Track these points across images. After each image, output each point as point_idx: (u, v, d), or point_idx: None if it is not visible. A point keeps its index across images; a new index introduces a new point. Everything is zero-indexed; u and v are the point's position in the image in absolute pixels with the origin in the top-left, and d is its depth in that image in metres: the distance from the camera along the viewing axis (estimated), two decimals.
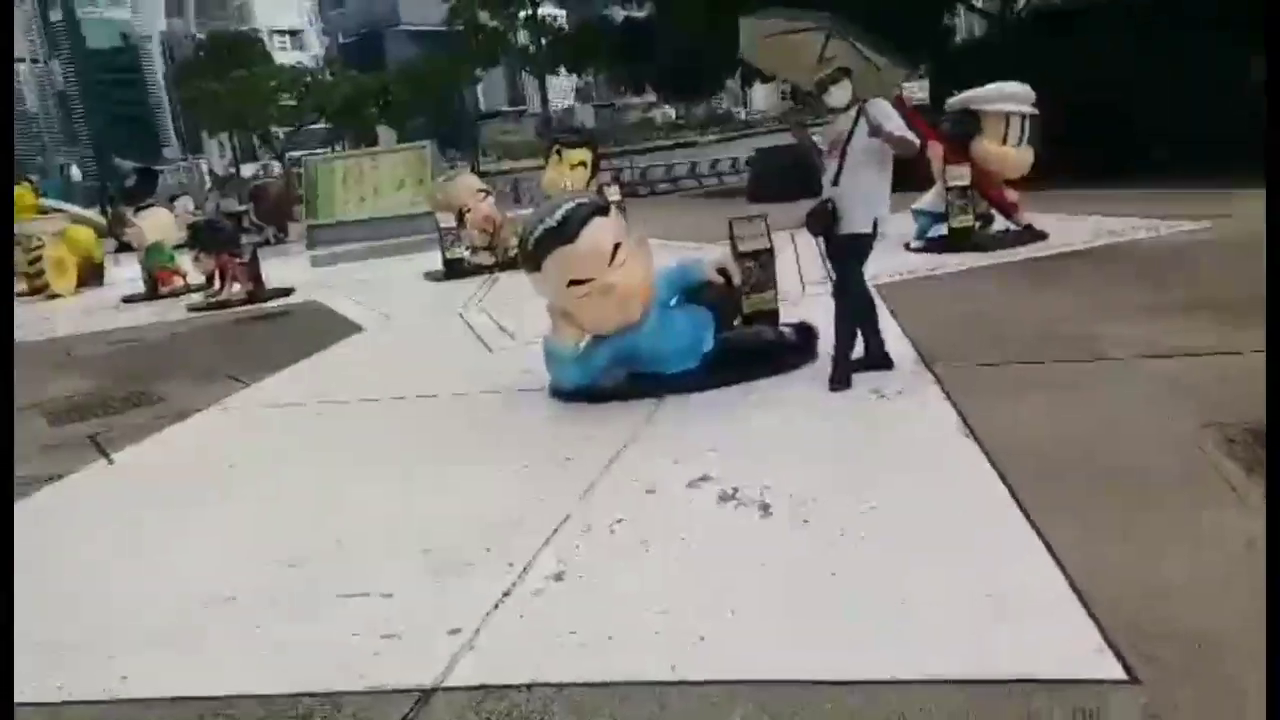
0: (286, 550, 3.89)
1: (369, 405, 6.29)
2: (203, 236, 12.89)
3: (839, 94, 5.25)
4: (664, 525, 3.66)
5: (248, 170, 50.40)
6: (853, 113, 5.20)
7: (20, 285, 16.46)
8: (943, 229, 9.68)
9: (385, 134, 38.71)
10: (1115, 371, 5.00)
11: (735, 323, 6.16)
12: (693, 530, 3.59)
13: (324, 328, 9.81)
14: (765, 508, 3.70)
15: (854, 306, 5.42)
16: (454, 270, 12.26)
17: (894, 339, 6.10)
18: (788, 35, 5.72)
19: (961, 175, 9.32)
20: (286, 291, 13.01)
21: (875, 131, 5.01)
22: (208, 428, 6.23)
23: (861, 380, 5.27)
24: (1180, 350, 5.15)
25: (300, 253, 20.42)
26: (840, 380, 5.28)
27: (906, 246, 9.81)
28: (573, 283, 5.29)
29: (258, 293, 12.67)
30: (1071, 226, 9.87)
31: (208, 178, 58.13)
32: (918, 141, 5.19)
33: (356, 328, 9.61)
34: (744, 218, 6.54)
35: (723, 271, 5.98)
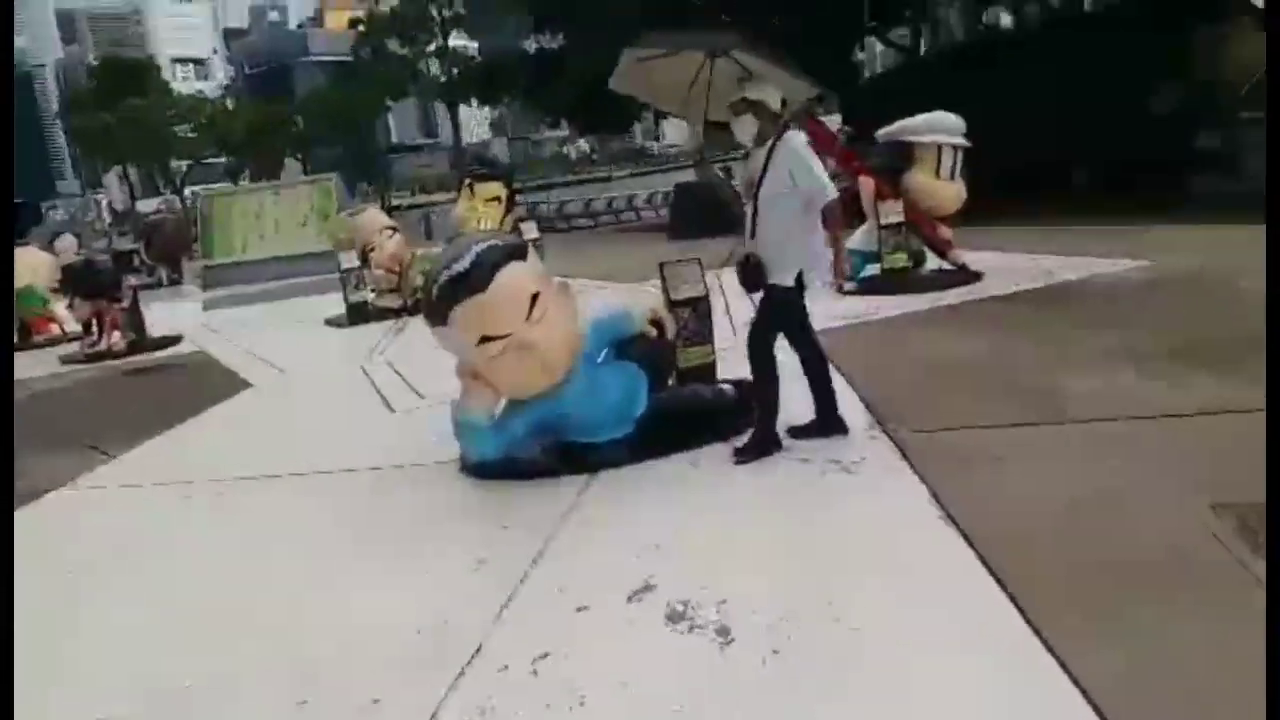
0: (117, 702, 3.06)
1: (243, 486, 5.42)
2: (78, 279, 11.72)
3: (744, 128, 4.67)
4: (601, 661, 2.94)
5: (148, 206, 48.20)
6: (767, 148, 4.61)
7: None
8: (875, 269, 9.24)
9: (291, 167, 37.33)
10: (1095, 438, 4.48)
11: (670, 381, 5.51)
12: (637, 668, 2.88)
13: (208, 384, 8.83)
14: (724, 632, 3.02)
15: (806, 365, 4.82)
16: (357, 315, 11.37)
17: (842, 396, 5.55)
18: (658, 60, 5.16)
19: (895, 211, 8.90)
20: (173, 340, 11.92)
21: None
22: (47, 517, 5.27)
23: (817, 449, 4.66)
24: (1163, 410, 4.67)
25: (195, 294, 19.14)
26: (752, 452, 4.68)
27: (838, 289, 9.33)
28: (484, 339, 4.55)
29: (140, 342, 11.55)
30: (1005, 265, 9.52)
31: (106, 213, 55.53)
32: (835, 194, 4.61)
33: (245, 384, 8.67)
34: (676, 261, 5.89)
35: (656, 322, 5.34)
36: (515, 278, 4.54)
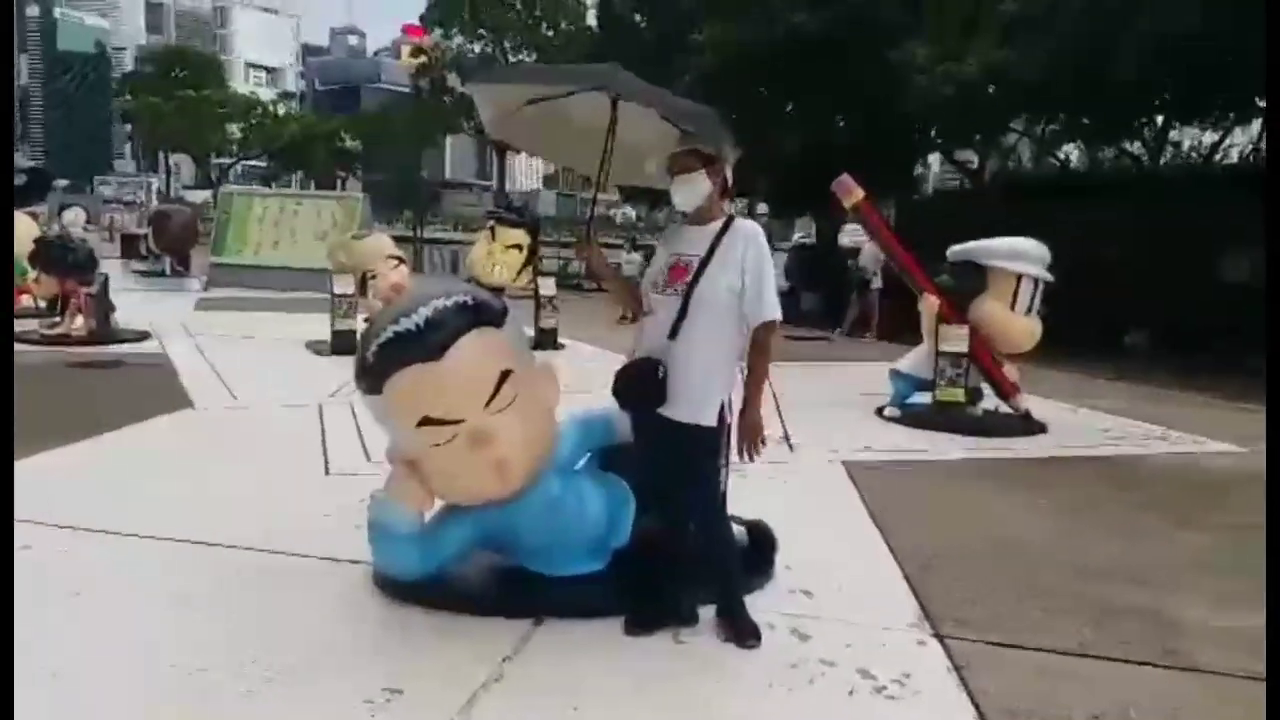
0: None
1: (100, 544, 4.23)
2: (48, 254, 10.72)
3: (693, 190, 3.43)
4: None
5: (198, 196, 47.97)
6: (711, 229, 3.41)
7: None
8: (924, 398, 8.06)
9: (351, 186, 37.07)
10: (1229, 699, 3.22)
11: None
12: None
13: (147, 394, 7.74)
14: None
15: (706, 535, 3.54)
16: (341, 344, 10.19)
17: (882, 567, 4.34)
18: (554, 102, 3.99)
19: (958, 338, 7.73)
20: (139, 336, 10.88)
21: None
22: None
23: (843, 651, 3.41)
24: None
25: (196, 290, 18.22)
26: (642, 623, 3.49)
27: (879, 412, 8.16)
28: (426, 421, 3.37)
29: (101, 332, 10.51)
30: (1069, 420, 8.36)
31: (155, 197, 55.69)
32: (779, 318, 3.40)
33: (187, 403, 7.54)
34: None
35: None
36: (481, 348, 3.36)
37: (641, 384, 3.38)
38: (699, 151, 3.43)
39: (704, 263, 3.35)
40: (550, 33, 35.36)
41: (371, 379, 3.39)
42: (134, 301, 13.48)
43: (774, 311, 3.36)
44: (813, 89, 17.92)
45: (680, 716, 2.95)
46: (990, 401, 8.17)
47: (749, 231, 3.42)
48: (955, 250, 8.19)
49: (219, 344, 10.67)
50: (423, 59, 36.53)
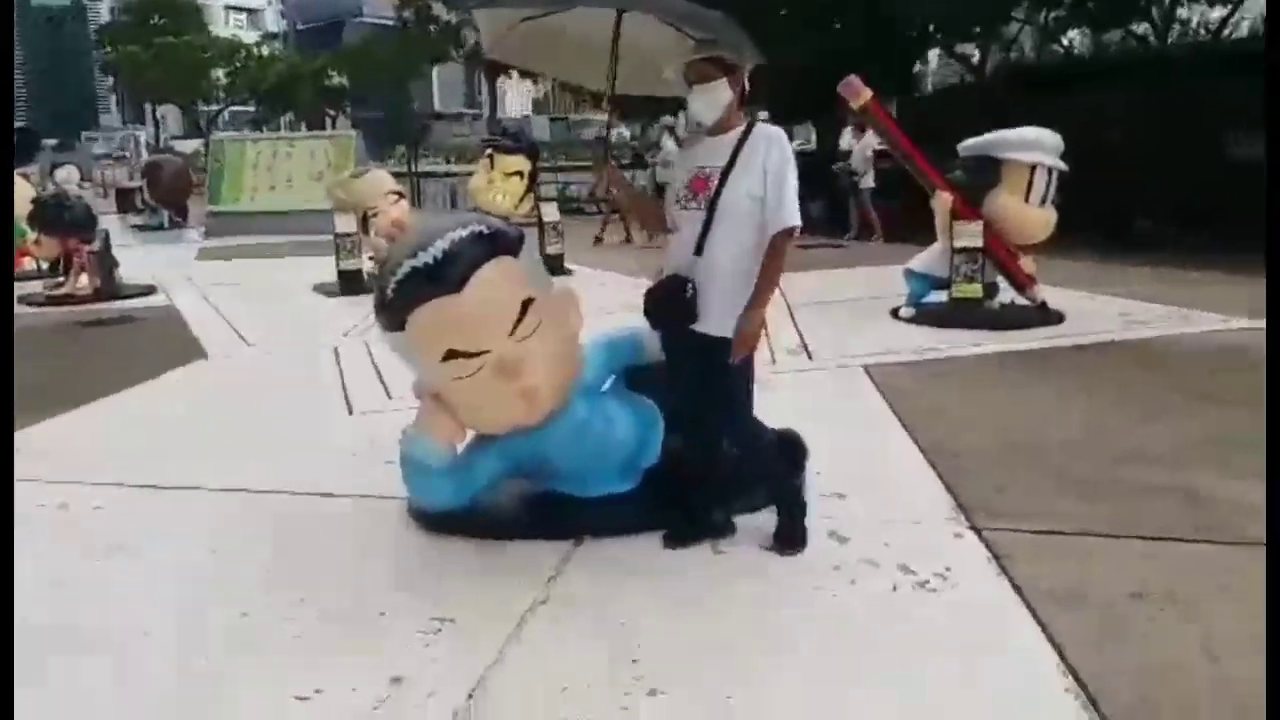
0: None
1: (133, 499, 4.24)
2: (46, 214, 10.60)
3: (713, 100, 3.31)
4: None
5: (188, 146, 47.26)
6: (731, 138, 3.29)
7: None
8: (939, 296, 7.99)
9: (342, 124, 36.40)
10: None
11: None
12: None
13: (159, 348, 7.70)
14: None
15: (746, 452, 3.55)
16: (349, 284, 10.14)
17: (912, 465, 4.34)
18: (548, 19, 3.80)
19: (973, 234, 7.62)
20: (145, 290, 10.82)
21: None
22: None
23: (883, 546, 3.43)
24: None
25: (195, 240, 18.08)
26: (679, 537, 3.52)
27: (894, 313, 8.11)
28: (451, 354, 3.34)
29: (106, 289, 10.45)
30: (1086, 307, 8.26)
31: (144, 150, 55.03)
32: (799, 224, 3.26)
33: (200, 353, 7.52)
34: None
35: None
36: (501, 278, 3.30)
37: (670, 303, 3.32)
38: (720, 59, 3.29)
39: (725, 171, 3.27)
40: None
41: (392, 315, 3.35)
42: (135, 256, 13.37)
43: (794, 218, 3.26)
44: None
45: (730, 625, 2.97)
46: (1006, 294, 8.11)
47: (771, 134, 3.32)
48: (967, 145, 8.03)
49: (225, 292, 10.60)
50: None
